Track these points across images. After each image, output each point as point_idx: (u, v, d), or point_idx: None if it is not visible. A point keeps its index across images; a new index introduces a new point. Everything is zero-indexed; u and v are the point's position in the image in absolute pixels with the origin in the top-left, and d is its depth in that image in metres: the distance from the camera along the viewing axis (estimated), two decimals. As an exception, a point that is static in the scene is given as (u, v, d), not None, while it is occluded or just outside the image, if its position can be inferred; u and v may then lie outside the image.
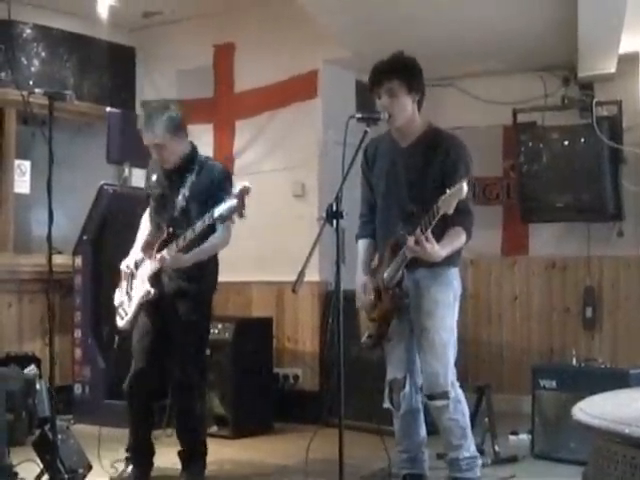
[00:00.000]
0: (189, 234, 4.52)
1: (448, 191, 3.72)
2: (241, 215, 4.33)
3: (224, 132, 7.54)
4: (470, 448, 4.19)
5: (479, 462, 4.24)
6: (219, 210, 4.32)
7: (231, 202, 4.28)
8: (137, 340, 4.85)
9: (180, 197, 4.77)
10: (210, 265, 4.86)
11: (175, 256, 4.58)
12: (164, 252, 4.61)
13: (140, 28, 7.76)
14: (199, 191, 4.74)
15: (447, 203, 3.73)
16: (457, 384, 4.16)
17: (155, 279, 4.74)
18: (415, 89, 4.15)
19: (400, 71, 4.11)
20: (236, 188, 4.33)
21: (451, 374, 4.12)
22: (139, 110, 7.60)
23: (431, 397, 4.11)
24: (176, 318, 4.76)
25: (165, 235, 4.72)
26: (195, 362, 4.81)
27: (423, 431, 4.34)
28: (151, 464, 4.89)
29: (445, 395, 4.07)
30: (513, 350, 7.17)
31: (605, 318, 6.86)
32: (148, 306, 4.80)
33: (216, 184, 4.75)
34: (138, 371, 4.82)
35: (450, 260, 4.09)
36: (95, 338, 6.71)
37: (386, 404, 4.28)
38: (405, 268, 4.08)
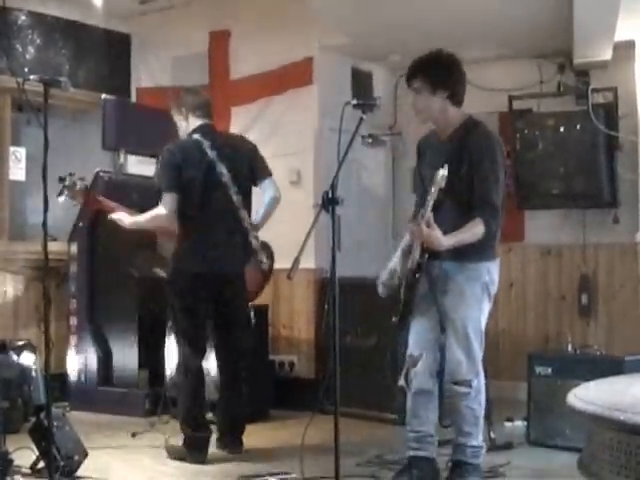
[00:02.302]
0: None
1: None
2: None
3: (220, 119, 7.46)
4: (479, 437, 4.23)
5: (483, 452, 4.28)
6: None
7: None
8: None
9: None
10: (175, 252, 4.95)
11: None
12: None
13: (135, 15, 7.73)
14: None
15: (436, 183, 3.90)
16: (482, 375, 4.19)
17: None
18: (442, 87, 4.18)
19: (423, 71, 4.19)
20: None
21: (477, 364, 4.15)
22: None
23: (455, 382, 4.15)
24: None
25: None
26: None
27: (434, 415, 4.30)
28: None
29: (468, 383, 4.12)
30: (509, 337, 7.17)
31: (600, 305, 6.87)
32: None
33: None
34: None
35: (481, 254, 4.18)
36: (90, 325, 6.71)
37: (401, 382, 4.29)
38: (435, 258, 4.11)
